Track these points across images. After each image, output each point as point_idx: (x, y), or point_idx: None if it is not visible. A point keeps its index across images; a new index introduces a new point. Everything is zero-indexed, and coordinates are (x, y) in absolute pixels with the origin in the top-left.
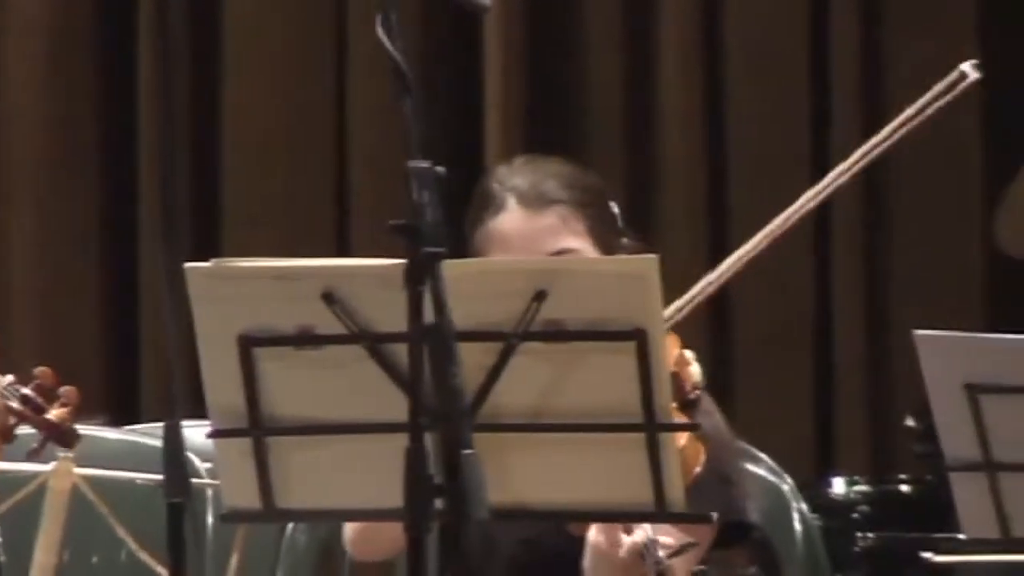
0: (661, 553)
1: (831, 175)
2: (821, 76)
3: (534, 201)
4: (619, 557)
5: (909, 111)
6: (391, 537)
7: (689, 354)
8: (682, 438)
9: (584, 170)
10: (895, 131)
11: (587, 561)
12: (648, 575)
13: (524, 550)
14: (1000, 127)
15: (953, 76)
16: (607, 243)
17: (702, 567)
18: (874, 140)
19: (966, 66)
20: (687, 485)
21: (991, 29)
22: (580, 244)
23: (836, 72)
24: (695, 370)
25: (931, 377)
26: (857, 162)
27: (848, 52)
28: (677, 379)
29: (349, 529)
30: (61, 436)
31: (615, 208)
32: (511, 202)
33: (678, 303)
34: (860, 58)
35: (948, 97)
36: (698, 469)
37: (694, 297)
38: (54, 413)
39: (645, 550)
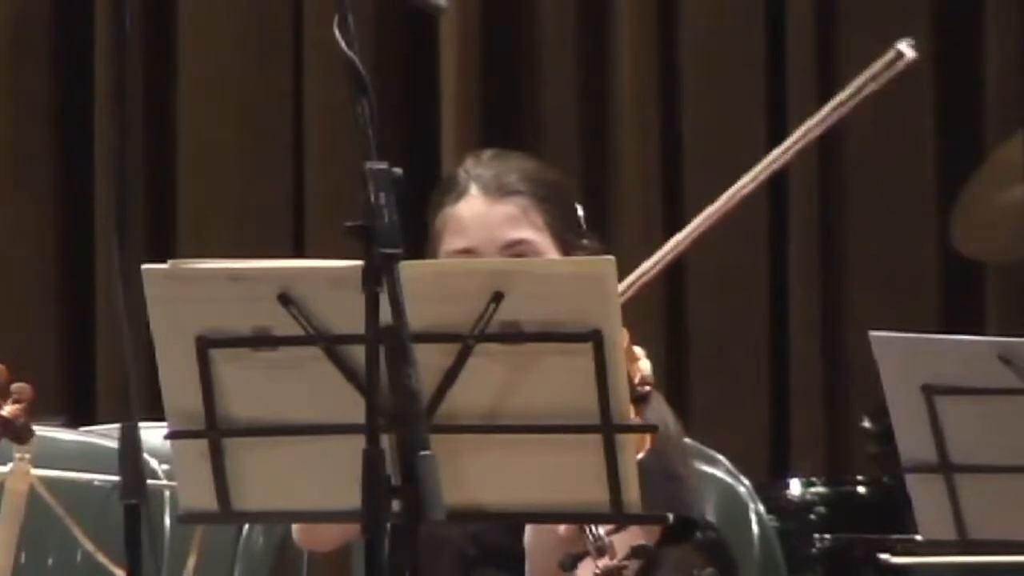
0: (602, 530)
1: (771, 154)
2: (776, 64)
3: (495, 190)
4: (559, 532)
5: (846, 91)
6: (338, 527)
7: (638, 350)
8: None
9: (550, 168)
10: (833, 111)
11: (527, 537)
12: (588, 551)
13: (471, 543)
14: (955, 126)
15: (890, 55)
16: (566, 241)
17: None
18: (813, 120)
19: (902, 45)
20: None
21: (944, 18)
22: (537, 237)
23: (791, 60)
24: (644, 365)
25: (888, 378)
26: (797, 141)
27: (803, 38)
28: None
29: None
30: (15, 432)
31: (579, 209)
32: (473, 189)
33: (624, 283)
34: (815, 45)
35: (886, 77)
36: (639, 455)
37: (636, 280)
38: (7, 410)
39: (585, 525)
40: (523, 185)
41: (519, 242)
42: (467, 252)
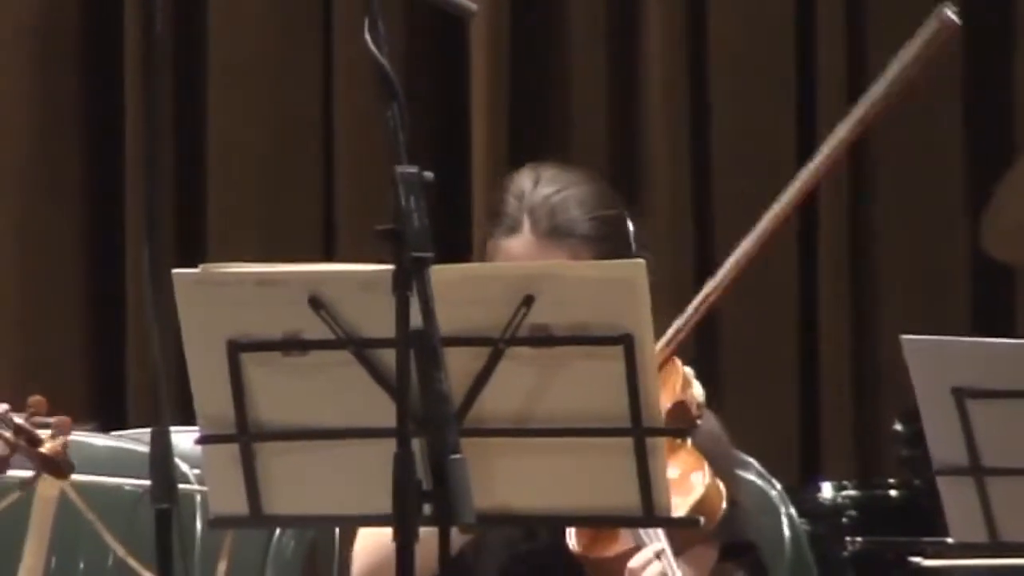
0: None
1: (817, 153)
2: (807, 71)
3: (549, 232)
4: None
5: (890, 70)
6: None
7: (689, 371)
8: (705, 477)
9: (607, 193)
10: (885, 92)
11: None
12: None
13: (513, 562)
14: (984, 128)
15: (933, 24)
16: None
17: None
18: (862, 101)
19: (944, 10)
20: (714, 526)
21: (976, 21)
22: None
23: (822, 68)
24: (698, 392)
25: (919, 382)
26: (847, 133)
27: (834, 46)
28: (683, 406)
29: (358, 565)
30: (55, 468)
31: (631, 226)
32: (526, 226)
33: (678, 322)
34: (846, 53)
35: (928, 50)
36: (724, 505)
37: (691, 316)
38: (48, 446)
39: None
40: (577, 225)
41: None
42: None
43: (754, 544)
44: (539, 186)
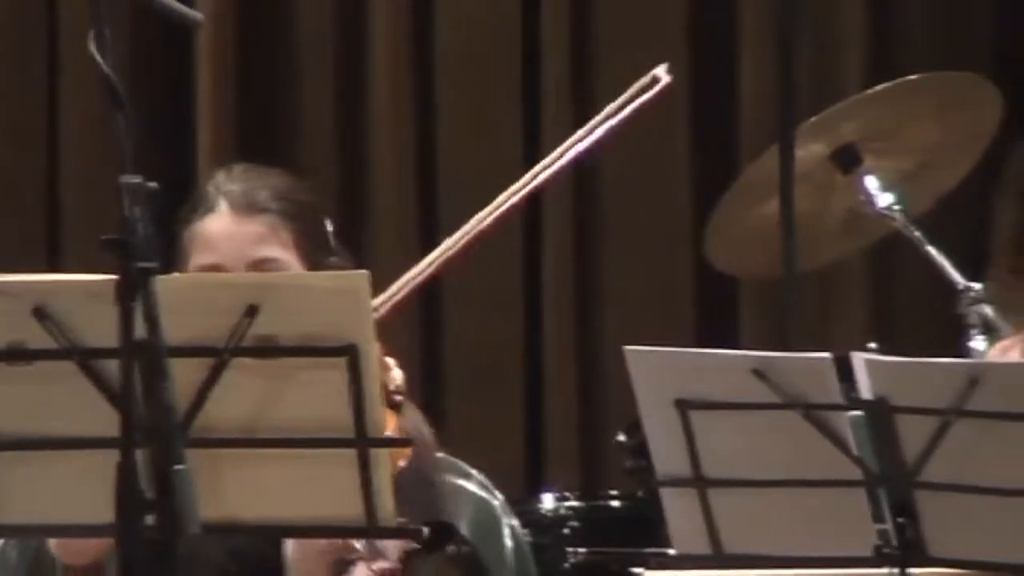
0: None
1: (531, 172)
2: (533, 81)
3: (244, 207)
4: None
5: (604, 112)
6: (96, 540)
7: (391, 360)
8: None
9: (302, 185)
10: (591, 132)
11: (289, 548)
12: (360, 555)
13: (230, 559)
14: (710, 144)
15: (646, 79)
16: (315, 259)
17: None
18: (571, 140)
19: (659, 70)
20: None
21: (700, 40)
22: (285, 255)
23: (547, 78)
24: (397, 374)
25: (642, 393)
26: (555, 161)
27: (559, 58)
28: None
29: None
30: None
31: (329, 226)
32: (222, 205)
33: (379, 299)
34: (571, 64)
35: (644, 98)
36: (402, 463)
37: (395, 293)
38: None
39: None
40: (272, 203)
41: (266, 260)
42: (214, 268)
43: (456, 529)
44: (234, 173)
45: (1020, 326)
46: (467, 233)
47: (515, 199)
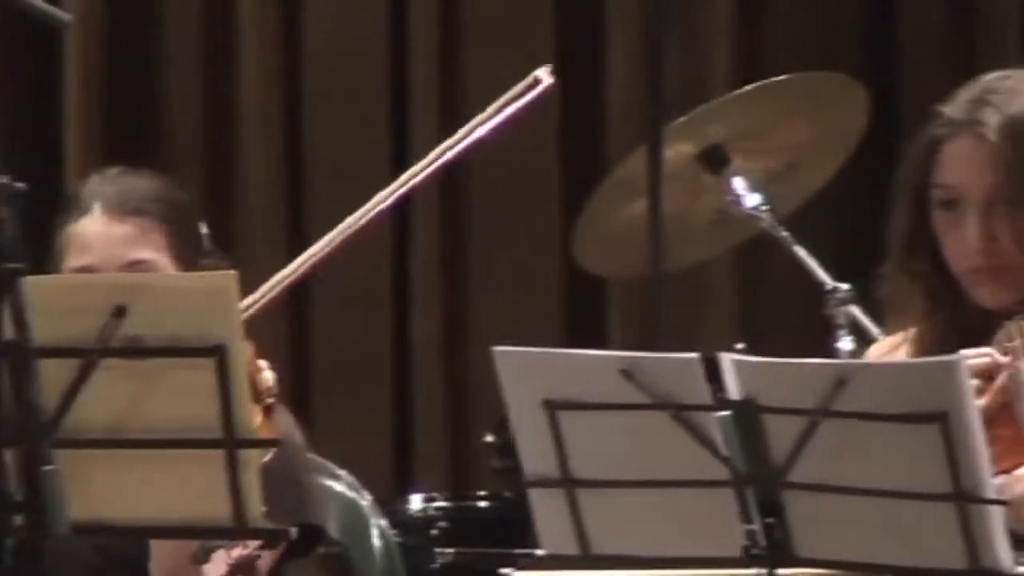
0: None
1: (406, 175)
2: (400, 81)
3: (116, 209)
4: None
5: (485, 112)
6: None
7: (262, 362)
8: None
9: (176, 188)
10: (471, 131)
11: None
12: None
13: (95, 554)
14: (578, 142)
15: (528, 81)
16: (188, 260)
17: None
18: (450, 141)
19: (541, 71)
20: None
21: (568, 39)
22: (157, 257)
23: (415, 75)
24: (268, 376)
25: (510, 393)
26: (432, 162)
27: (427, 55)
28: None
29: None
30: None
31: (203, 228)
32: (96, 208)
33: (249, 299)
34: (439, 61)
35: (525, 99)
36: (266, 458)
37: (265, 294)
38: None
39: None
40: (145, 205)
41: (139, 262)
42: (88, 270)
43: (325, 531)
44: (108, 176)
45: (909, 325)
46: (338, 236)
47: (388, 201)
